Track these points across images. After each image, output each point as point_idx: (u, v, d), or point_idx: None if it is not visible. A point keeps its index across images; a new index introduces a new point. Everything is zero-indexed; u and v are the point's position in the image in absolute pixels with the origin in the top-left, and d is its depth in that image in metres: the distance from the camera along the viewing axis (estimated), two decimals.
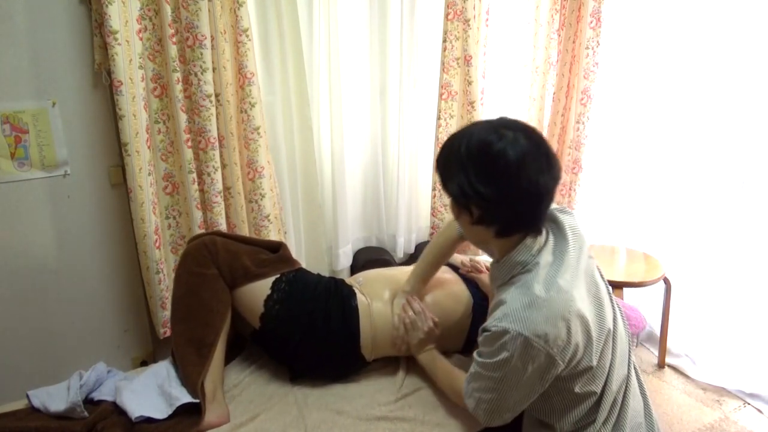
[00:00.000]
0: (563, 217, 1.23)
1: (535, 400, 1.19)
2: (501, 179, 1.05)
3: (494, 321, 1.09)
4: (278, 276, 1.47)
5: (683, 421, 2.03)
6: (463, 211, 1.12)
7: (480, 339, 1.15)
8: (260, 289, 1.45)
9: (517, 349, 1.05)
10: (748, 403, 2.11)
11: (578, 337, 1.08)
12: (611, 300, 1.25)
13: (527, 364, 1.07)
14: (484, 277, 1.63)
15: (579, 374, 1.13)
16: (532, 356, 1.06)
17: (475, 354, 1.17)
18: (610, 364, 1.19)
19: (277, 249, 1.55)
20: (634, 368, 1.28)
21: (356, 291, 1.52)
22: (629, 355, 1.27)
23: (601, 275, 1.27)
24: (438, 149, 2.28)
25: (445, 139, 1.15)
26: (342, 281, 1.57)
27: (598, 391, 1.17)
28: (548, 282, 1.09)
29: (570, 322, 1.06)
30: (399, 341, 1.47)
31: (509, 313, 1.07)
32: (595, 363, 1.13)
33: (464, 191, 1.07)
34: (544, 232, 1.17)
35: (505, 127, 1.08)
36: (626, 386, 1.23)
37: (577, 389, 1.14)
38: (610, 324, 1.19)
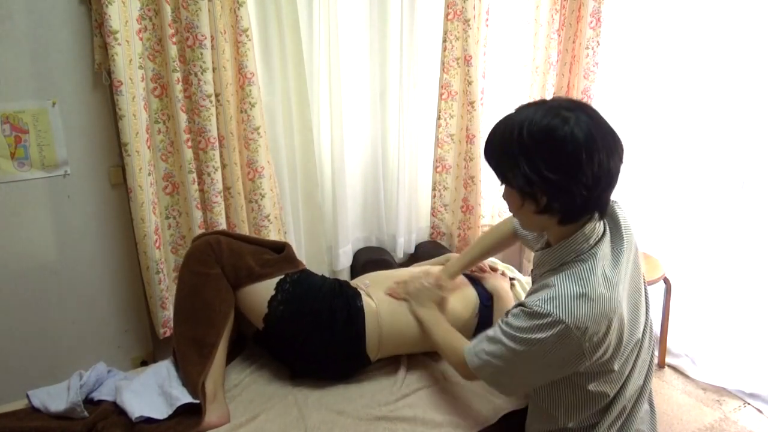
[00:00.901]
0: (620, 213, 1.20)
1: (545, 391, 1.18)
2: (572, 164, 0.99)
3: (538, 301, 1.05)
4: (282, 277, 1.47)
5: (683, 421, 2.03)
6: (528, 200, 1.05)
7: (515, 311, 1.12)
8: (264, 289, 1.44)
9: (554, 335, 1.02)
10: (748, 403, 2.11)
11: (612, 338, 1.06)
12: (647, 311, 1.22)
13: (557, 350, 1.04)
14: (489, 277, 1.63)
15: (598, 374, 1.12)
16: (564, 344, 1.03)
17: (500, 321, 1.14)
18: (629, 372, 1.17)
19: (282, 249, 1.54)
20: (651, 381, 1.26)
21: (361, 292, 1.52)
22: (649, 366, 1.24)
23: (644, 282, 1.23)
24: (439, 149, 2.31)
25: (493, 126, 1.08)
26: (347, 283, 1.57)
27: (611, 394, 1.15)
28: (606, 278, 1.06)
29: (611, 323, 1.04)
30: (399, 287, 1.49)
31: (557, 297, 1.04)
32: (617, 368, 1.12)
33: (531, 180, 1.01)
34: (601, 223, 1.13)
35: (565, 108, 1.01)
36: (639, 395, 1.21)
37: (590, 387, 1.12)
38: (639, 335, 1.17)
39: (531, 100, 2.48)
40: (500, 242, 1.56)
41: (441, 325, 1.40)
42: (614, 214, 1.19)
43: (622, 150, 1.04)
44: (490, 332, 1.16)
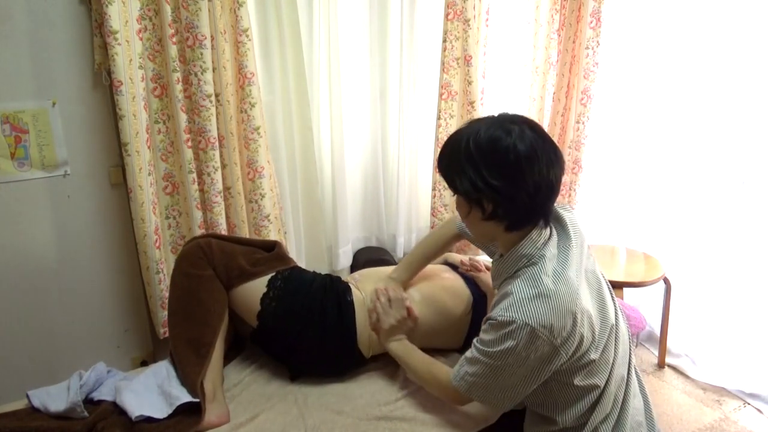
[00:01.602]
0: (564, 213, 1.25)
1: (536, 394, 1.20)
2: (514, 173, 1.06)
3: (500, 311, 1.10)
4: (274, 274, 1.48)
5: (683, 421, 2.03)
6: (475, 207, 1.12)
7: (484, 327, 1.16)
8: (256, 287, 1.45)
9: (523, 339, 1.06)
10: (748, 403, 2.11)
11: (583, 329, 1.09)
12: (612, 297, 1.26)
13: (530, 353, 1.08)
14: (483, 276, 1.63)
15: (581, 367, 1.14)
16: (536, 346, 1.07)
17: (475, 341, 1.18)
18: (613, 360, 1.19)
19: (272, 248, 1.55)
20: (634, 368, 1.29)
21: (352, 287, 1.53)
22: (630, 354, 1.28)
23: (601, 272, 1.28)
24: (439, 149, 2.30)
25: (446, 138, 1.16)
26: (338, 278, 1.58)
27: (601, 385, 1.18)
28: (556, 275, 1.11)
29: (576, 315, 1.08)
30: (371, 325, 1.46)
31: (516, 303, 1.08)
32: (597, 357, 1.14)
33: (477, 186, 1.08)
34: (547, 228, 1.18)
35: (510, 121, 1.09)
36: (626, 384, 1.23)
37: (577, 382, 1.15)
38: (612, 320, 1.21)
39: (531, 100, 2.49)
40: (444, 244, 1.58)
41: (416, 357, 1.38)
42: (558, 216, 1.24)
43: (563, 163, 1.11)
44: (468, 354, 1.19)
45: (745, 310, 2.25)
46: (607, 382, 1.19)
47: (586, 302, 1.12)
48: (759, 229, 2.19)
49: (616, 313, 1.24)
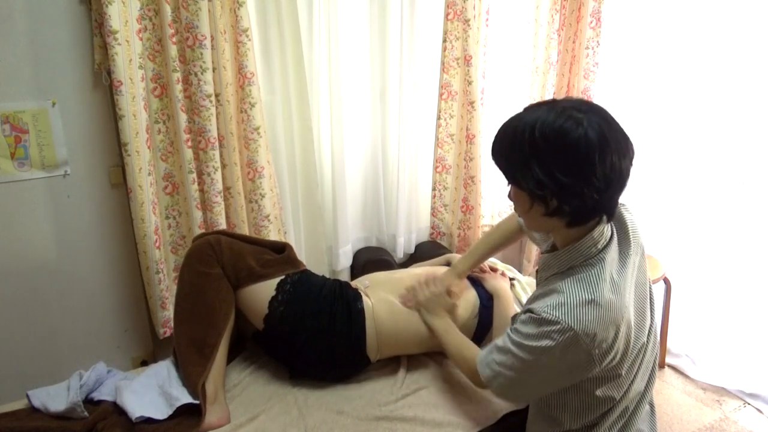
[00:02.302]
0: (627, 216, 1.18)
1: (552, 396, 1.18)
2: (584, 167, 0.97)
3: (547, 307, 1.04)
4: (283, 277, 1.47)
5: (683, 421, 2.03)
6: (538, 203, 1.03)
7: (523, 317, 1.11)
8: (265, 290, 1.44)
9: (562, 342, 1.01)
10: (748, 403, 2.11)
11: (620, 344, 1.05)
12: (652, 314, 1.21)
13: (566, 357, 1.03)
14: (489, 277, 1.63)
15: (605, 378, 1.11)
16: (573, 352, 1.02)
17: (510, 330, 1.13)
18: (634, 375, 1.17)
19: (282, 249, 1.54)
20: (654, 384, 1.26)
21: (362, 293, 1.52)
22: (653, 368, 1.24)
23: (650, 285, 1.22)
24: (439, 149, 2.31)
25: (501, 126, 1.06)
26: (347, 284, 1.57)
27: (617, 397, 1.15)
28: (613, 283, 1.05)
29: (619, 329, 1.03)
30: (407, 298, 1.50)
31: (565, 303, 1.03)
32: (624, 372, 1.11)
33: (542, 183, 0.99)
34: (609, 226, 1.11)
35: (576, 109, 0.99)
36: (641, 397, 1.21)
37: (598, 393, 1.12)
38: (645, 337, 1.16)
39: (531, 100, 2.49)
40: (507, 238, 1.56)
41: (453, 335, 1.41)
42: (621, 217, 1.17)
43: (633, 152, 1.03)
44: (499, 342, 1.16)
45: (745, 310, 2.25)
46: (623, 396, 1.15)
47: (632, 316, 1.07)
48: (759, 230, 2.19)
49: (650, 331, 1.19)
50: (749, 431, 1.99)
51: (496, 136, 1.06)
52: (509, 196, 1.11)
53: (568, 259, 1.09)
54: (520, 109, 1.07)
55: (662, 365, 2.35)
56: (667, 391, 2.20)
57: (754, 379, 2.14)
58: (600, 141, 0.96)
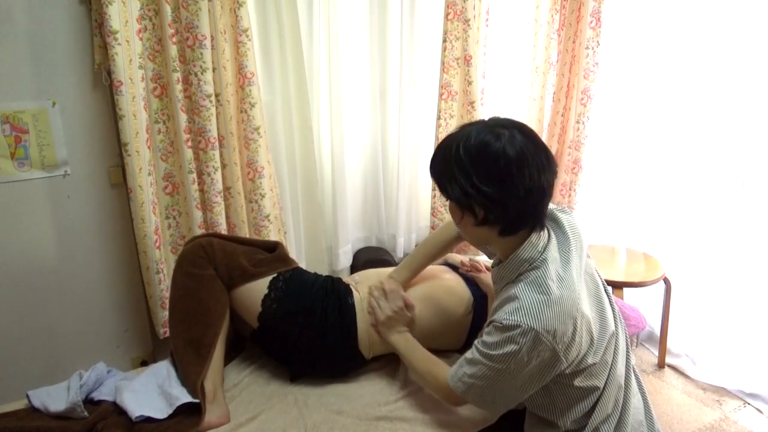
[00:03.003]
0: (562, 216, 1.25)
1: (536, 397, 1.20)
2: (504, 178, 1.06)
3: (505, 314, 1.10)
4: (275, 275, 1.48)
5: (683, 421, 2.03)
6: (467, 213, 1.12)
7: (487, 329, 1.15)
8: (257, 288, 1.45)
9: (527, 344, 1.06)
10: (748, 403, 2.11)
11: (582, 335, 1.10)
12: (609, 298, 1.26)
13: (532, 358, 1.08)
14: (484, 276, 1.63)
15: (580, 371, 1.14)
16: (538, 351, 1.07)
17: (476, 342, 1.17)
18: (612, 361, 1.20)
19: (274, 248, 1.55)
20: (633, 367, 1.29)
21: (353, 289, 1.53)
22: (628, 354, 1.28)
23: (598, 274, 1.28)
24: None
25: (437, 145, 1.16)
26: (339, 279, 1.58)
27: (601, 386, 1.18)
28: (560, 279, 1.11)
29: (576, 321, 1.08)
30: (372, 324, 1.46)
31: (522, 307, 1.08)
32: (597, 360, 1.15)
33: (467, 192, 1.07)
34: (545, 230, 1.18)
35: (500, 125, 1.09)
36: (626, 384, 1.24)
37: (577, 383, 1.15)
38: (611, 323, 1.21)
39: (531, 100, 2.49)
40: (443, 247, 1.57)
41: (418, 352, 1.39)
42: (556, 218, 1.24)
43: (555, 166, 1.11)
44: (468, 355, 1.19)
45: (745, 310, 2.25)
46: (606, 383, 1.18)
47: (586, 307, 1.12)
48: (759, 230, 2.20)
49: (614, 314, 1.24)
50: (749, 431, 1.99)
51: (433, 154, 1.17)
52: (449, 209, 1.18)
53: (514, 268, 1.16)
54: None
55: (662, 365, 2.35)
56: (667, 391, 2.20)
57: (754, 379, 2.14)
58: (518, 155, 1.05)
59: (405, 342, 1.42)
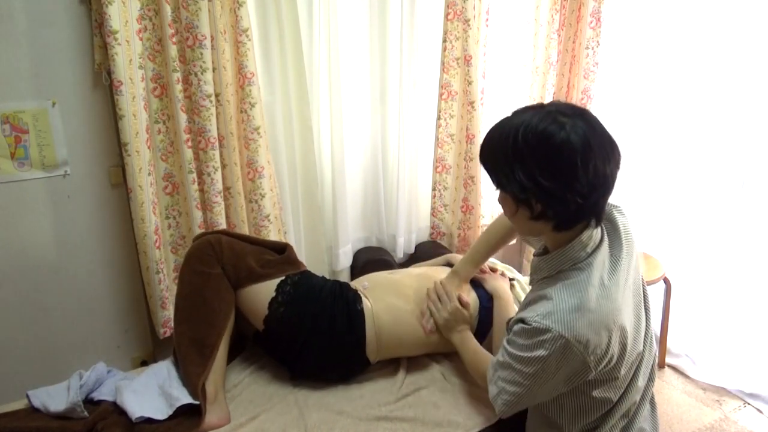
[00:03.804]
0: (619, 218, 1.18)
1: (549, 399, 1.18)
2: (567, 171, 0.98)
3: (537, 316, 1.05)
4: (283, 278, 1.46)
5: (683, 421, 2.03)
6: (523, 206, 1.04)
7: (515, 329, 1.11)
8: (265, 290, 1.44)
9: (556, 351, 1.02)
10: (748, 403, 2.11)
11: (615, 348, 1.05)
12: (647, 315, 1.21)
13: (561, 366, 1.04)
14: (489, 278, 1.63)
15: (603, 381, 1.11)
16: (567, 360, 1.03)
17: (505, 343, 1.14)
18: (633, 376, 1.16)
19: (283, 250, 1.54)
20: (654, 382, 1.26)
21: (361, 295, 1.52)
22: (652, 367, 1.24)
23: (644, 286, 1.22)
24: (439, 149, 2.31)
25: (489, 129, 1.06)
26: (347, 285, 1.57)
27: (615, 399, 1.14)
28: (602, 287, 1.05)
29: (612, 333, 1.03)
30: (426, 322, 1.48)
31: (555, 311, 1.03)
32: (622, 374, 1.11)
33: (525, 187, 1.00)
34: (599, 229, 1.11)
35: (561, 113, 1.00)
36: (642, 398, 1.21)
37: (595, 394, 1.12)
38: (641, 347, 1.16)
39: (531, 100, 2.49)
40: (504, 236, 1.55)
41: (469, 348, 1.41)
42: (613, 219, 1.17)
43: (619, 156, 1.03)
44: (499, 357, 1.16)
45: (745, 310, 2.25)
46: (621, 396, 1.15)
47: (626, 320, 1.07)
48: (759, 230, 2.20)
49: (646, 335, 1.19)
50: (749, 431, 1.99)
51: (484, 140, 1.08)
52: (498, 199, 1.11)
53: (557, 263, 1.10)
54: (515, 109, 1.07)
55: (662, 365, 2.35)
56: (667, 391, 2.20)
57: (754, 379, 2.14)
58: (583, 146, 0.97)
59: (461, 341, 1.44)
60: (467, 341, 1.42)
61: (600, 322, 1.02)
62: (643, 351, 1.18)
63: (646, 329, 1.19)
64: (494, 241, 1.56)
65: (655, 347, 1.25)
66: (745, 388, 2.14)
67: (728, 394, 2.17)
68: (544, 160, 0.98)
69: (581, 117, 1.00)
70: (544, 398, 1.14)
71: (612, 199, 1.10)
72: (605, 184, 1.01)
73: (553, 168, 0.98)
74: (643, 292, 1.21)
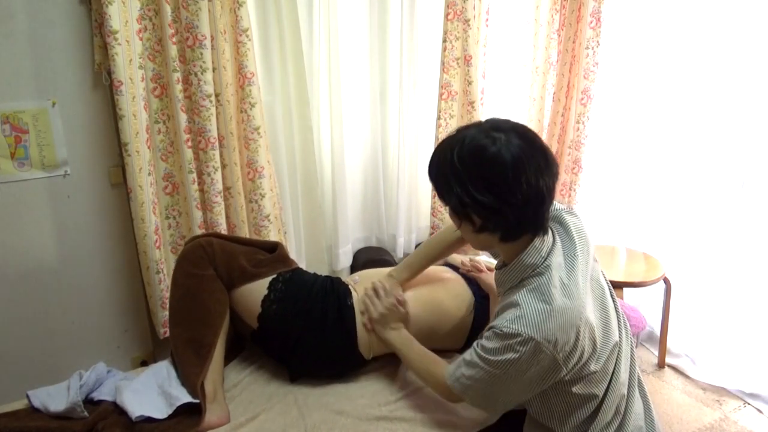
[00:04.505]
0: (569, 219, 1.22)
1: (535, 404, 1.20)
2: (499, 185, 1.02)
3: (506, 322, 1.08)
4: (275, 276, 1.47)
5: (683, 421, 2.03)
6: (465, 220, 1.09)
7: (487, 334, 1.14)
8: (257, 289, 1.45)
9: (526, 353, 1.05)
10: (748, 403, 2.11)
11: (584, 343, 1.08)
12: (615, 304, 1.24)
13: (531, 366, 1.07)
14: (485, 276, 1.63)
15: (580, 378, 1.13)
16: (538, 360, 1.06)
17: (475, 345, 1.16)
18: (614, 370, 1.18)
19: (274, 249, 1.55)
20: (638, 374, 1.28)
21: (351, 289, 1.53)
22: (632, 359, 1.26)
23: (605, 278, 1.25)
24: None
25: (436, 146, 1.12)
26: (338, 279, 1.57)
27: (600, 394, 1.16)
28: (563, 287, 1.08)
29: (579, 330, 1.06)
30: (365, 324, 1.46)
31: (523, 315, 1.06)
32: (594, 368, 1.13)
33: (463, 201, 1.04)
34: (550, 233, 1.15)
35: (496, 128, 1.05)
36: (629, 393, 1.22)
37: (575, 390, 1.14)
38: (615, 330, 1.18)
39: (531, 100, 2.49)
40: (444, 249, 1.56)
41: (414, 349, 1.38)
42: (563, 221, 1.21)
43: (555, 168, 1.06)
44: (467, 356, 1.18)
45: (745, 310, 2.25)
46: (606, 391, 1.17)
47: (590, 314, 1.10)
48: (758, 230, 2.20)
49: (618, 321, 1.22)
50: (749, 431, 1.99)
51: (430, 158, 1.12)
52: (449, 214, 1.15)
53: (517, 273, 1.14)
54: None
55: (662, 365, 2.35)
56: (667, 391, 2.20)
57: (754, 379, 2.14)
58: (514, 160, 1.01)
59: (400, 338, 1.41)
60: (409, 340, 1.41)
61: (567, 321, 1.05)
62: (620, 340, 1.20)
63: (618, 318, 1.22)
64: (432, 254, 1.56)
65: (630, 338, 1.27)
66: (745, 388, 2.14)
67: (728, 394, 2.17)
68: (476, 174, 1.03)
69: (515, 132, 1.04)
70: (516, 397, 1.16)
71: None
72: (540, 195, 1.04)
73: (486, 182, 1.02)
74: (606, 283, 1.24)
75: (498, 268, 1.23)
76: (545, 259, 1.11)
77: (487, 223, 1.07)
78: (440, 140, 1.12)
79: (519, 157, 1.01)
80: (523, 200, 1.03)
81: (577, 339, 1.06)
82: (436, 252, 1.56)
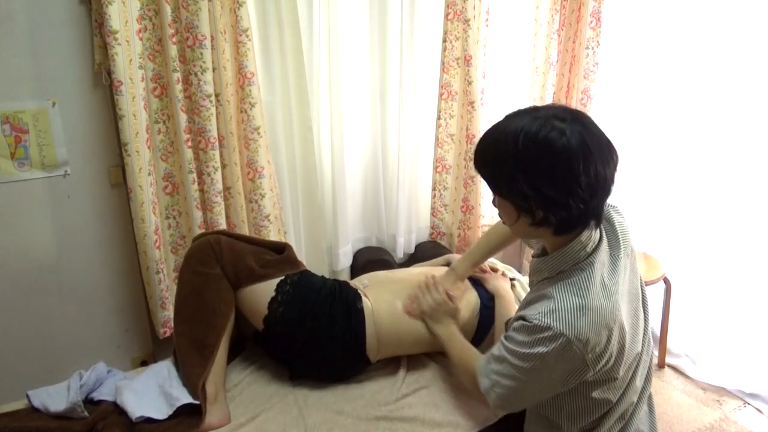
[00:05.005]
0: (617, 218, 1.18)
1: (548, 399, 1.17)
2: (569, 178, 0.97)
3: (538, 314, 1.04)
4: (282, 278, 1.46)
5: (683, 421, 2.03)
6: (524, 214, 1.04)
7: (516, 325, 1.11)
8: (264, 290, 1.44)
9: (556, 349, 1.01)
10: (748, 403, 2.11)
11: (614, 347, 1.05)
12: (645, 314, 1.21)
13: (559, 363, 1.04)
14: (489, 277, 1.63)
15: (602, 382, 1.11)
16: (567, 358, 1.02)
17: (503, 338, 1.14)
18: (630, 380, 1.17)
19: (282, 250, 1.54)
20: (651, 381, 1.26)
21: (361, 294, 1.52)
22: (649, 368, 1.24)
23: (642, 286, 1.22)
24: (439, 149, 2.31)
25: (483, 135, 1.05)
26: (346, 284, 1.57)
27: (614, 400, 1.14)
28: (604, 287, 1.05)
29: (612, 332, 1.03)
30: (413, 304, 1.49)
31: (557, 310, 1.03)
32: (620, 375, 1.11)
33: (527, 196, 0.99)
34: (598, 229, 1.11)
35: (558, 118, 0.99)
36: (639, 398, 1.21)
37: (594, 395, 1.11)
38: (639, 347, 1.16)
39: (531, 100, 2.49)
40: (505, 239, 1.55)
41: (456, 343, 1.40)
42: (611, 219, 1.17)
43: (617, 157, 1.02)
44: (495, 350, 1.16)
45: (745, 310, 2.25)
46: (620, 397, 1.15)
47: (625, 319, 1.07)
48: (758, 230, 2.19)
49: (645, 335, 1.19)
50: (749, 431, 1.99)
51: (479, 147, 1.06)
52: (494, 203, 1.10)
53: (557, 264, 1.10)
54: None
55: (662, 365, 2.35)
56: (667, 391, 2.20)
57: (754, 379, 2.14)
58: (582, 150, 0.96)
59: (447, 333, 1.44)
60: (455, 335, 1.42)
61: (601, 322, 1.02)
62: (641, 352, 1.18)
63: (644, 330, 1.19)
64: (494, 244, 1.57)
65: (653, 348, 1.25)
66: (745, 388, 2.14)
67: (728, 394, 2.17)
68: (546, 168, 0.98)
69: (578, 121, 0.99)
70: (539, 397, 1.14)
71: (611, 200, 1.10)
72: (605, 186, 1.01)
73: (556, 176, 0.98)
74: (642, 292, 1.21)
75: (536, 255, 1.18)
76: (589, 255, 1.07)
77: (549, 217, 1.01)
78: (485, 132, 1.05)
79: (587, 147, 0.97)
80: (590, 192, 0.99)
81: (608, 342, 1.03)
82: (497, 243, 1.57)
